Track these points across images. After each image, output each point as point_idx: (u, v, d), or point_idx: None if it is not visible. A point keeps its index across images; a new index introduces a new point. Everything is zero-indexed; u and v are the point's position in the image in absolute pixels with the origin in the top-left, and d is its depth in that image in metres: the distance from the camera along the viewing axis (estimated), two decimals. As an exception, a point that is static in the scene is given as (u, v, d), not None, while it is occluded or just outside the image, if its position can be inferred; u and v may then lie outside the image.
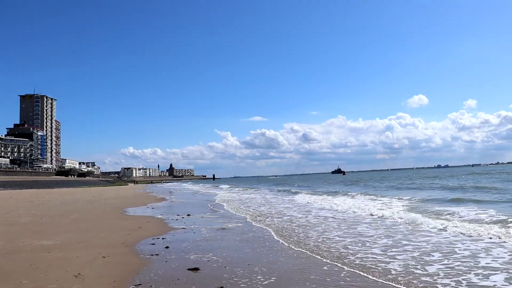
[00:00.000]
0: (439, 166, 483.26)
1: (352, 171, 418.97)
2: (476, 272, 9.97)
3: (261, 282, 9.52)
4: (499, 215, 19.34)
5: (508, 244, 13.05)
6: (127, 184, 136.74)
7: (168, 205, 37.34)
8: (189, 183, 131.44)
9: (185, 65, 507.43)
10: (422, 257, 11.79)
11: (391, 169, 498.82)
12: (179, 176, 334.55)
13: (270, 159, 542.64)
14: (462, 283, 9.11)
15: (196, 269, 10.87)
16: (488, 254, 11.83)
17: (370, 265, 11.04)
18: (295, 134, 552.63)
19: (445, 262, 11.11)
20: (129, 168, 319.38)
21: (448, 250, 12.53)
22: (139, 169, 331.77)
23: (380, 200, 34.17)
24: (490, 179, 62.92)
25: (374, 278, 9.77)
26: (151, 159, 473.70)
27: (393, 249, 13.03)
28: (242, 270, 10.65)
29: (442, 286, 8.99)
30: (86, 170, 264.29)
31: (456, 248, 12.85)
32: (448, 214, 21.45)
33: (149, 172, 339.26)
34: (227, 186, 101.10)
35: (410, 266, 10.75)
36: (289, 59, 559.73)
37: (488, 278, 9.41)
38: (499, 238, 13.95)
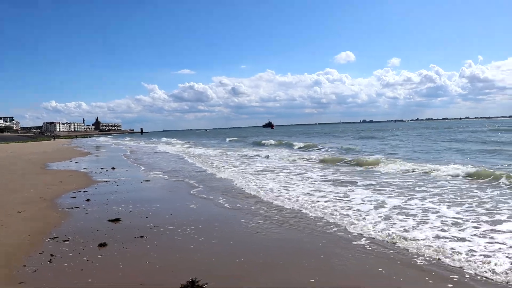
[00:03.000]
0: (364, 121, 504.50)
1: (281, 125, 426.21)
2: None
3: (183, 232, 9.63)
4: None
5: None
6: (50, 139, 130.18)
7: (93, 160, 36.25)
8: (126, 139, 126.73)
9: (110, 15, 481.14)
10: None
11: (319, 123, 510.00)
12: (106, 131, 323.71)
13: (199, 113, 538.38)
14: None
15: (117, 220, 10.77)
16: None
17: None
18: (224, 87, 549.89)
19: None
20: (52, 122, 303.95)
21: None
22: (63, 124, 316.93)
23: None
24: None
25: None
26: (76, 113, 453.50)
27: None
28: (164, 220, 10.69)
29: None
30: (3, 125, 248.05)
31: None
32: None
33: (74, 127, 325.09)
34: (152, 140, 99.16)
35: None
36: (218, 12, 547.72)
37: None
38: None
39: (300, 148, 40.96)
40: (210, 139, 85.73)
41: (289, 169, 22.07)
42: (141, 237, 9.12)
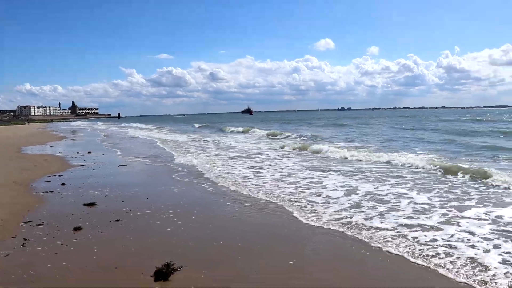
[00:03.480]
0: (342, 109, 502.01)
1: (260, 111, 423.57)
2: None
3: (160, 216, 9.61)
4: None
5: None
6: (25, 124, 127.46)
7: (69, 144, 35.70)
8: (99, 123, 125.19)
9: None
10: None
11: (297, 110, 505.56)
12: (83, 115, 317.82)
13: (177, 98, 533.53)
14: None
15: (92, 204, 10.68)
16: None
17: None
18: (203, 73, 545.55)
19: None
20: (27, 106, 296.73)
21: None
22: (38, 108, 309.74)
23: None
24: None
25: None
26: (51, 96, 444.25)
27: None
28: (140, 204, 10.65)
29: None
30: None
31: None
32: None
33: (50, 111, 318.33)
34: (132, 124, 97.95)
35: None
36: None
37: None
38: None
39: (263, 136, 41.00)
40: (184, 125, 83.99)
41: (245, 155, 22.16)
42: (117, 221, 9.07)
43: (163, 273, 6.09)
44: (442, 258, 6.63)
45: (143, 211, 9.93)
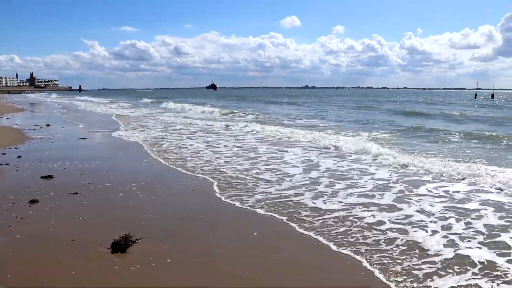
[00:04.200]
0: (306, 87, 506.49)
1: (225, 87, 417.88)
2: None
3: (120, 188, 9.52)
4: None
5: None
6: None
7: (27, 116, 34.54)
8: (53, 94, 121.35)
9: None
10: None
11: (262, 87, 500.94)
12: (42, 87, 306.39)
13: (141, 72, 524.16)
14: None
15: (50, 176, 10.43)
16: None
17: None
18: (167, 47, 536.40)
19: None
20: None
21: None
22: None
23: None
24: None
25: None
26: (7, 67, 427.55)
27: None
28: (100, 178, 10.49)
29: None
30: None
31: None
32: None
33: (6, 82, 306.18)
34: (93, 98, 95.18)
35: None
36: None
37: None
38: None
39: (215, 113, 39.67)
40: (142, 99, 79.24)
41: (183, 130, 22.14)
42: (75, 193, 8.91)
43: (121, 245, 6.06)
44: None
45: (103, 184, 9.79)
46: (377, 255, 5.94)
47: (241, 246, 6.34)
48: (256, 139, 18.43)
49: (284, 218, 7.58)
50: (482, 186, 9.82)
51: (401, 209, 8.13)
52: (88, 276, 5.27)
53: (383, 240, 6.50)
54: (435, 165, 11.82)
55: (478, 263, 5.69)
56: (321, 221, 7.40)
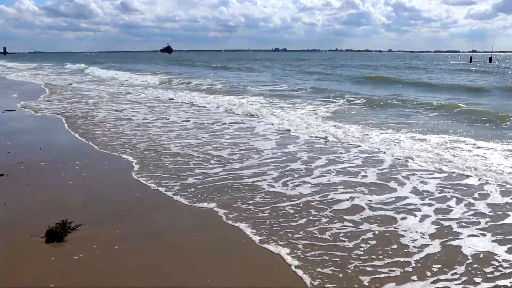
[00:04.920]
0: (276, 50, 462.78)
1: (181, 50, 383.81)
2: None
3: (55, 168, 8.66)
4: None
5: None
6: None
7: None
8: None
9: None
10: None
11: (225, 50, 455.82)
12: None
13: (81, 32, 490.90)
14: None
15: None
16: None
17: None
18: (112, 2, 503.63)
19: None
20: None
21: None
22: None
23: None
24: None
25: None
26: None
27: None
28: (32, 156, 9.51)
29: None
30: None
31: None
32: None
33: None
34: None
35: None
36: None
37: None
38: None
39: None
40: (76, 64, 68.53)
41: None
42: (1, 175, 7.93)
43: (57, 233, 5.38)
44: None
45: (36, 164, 8.87)
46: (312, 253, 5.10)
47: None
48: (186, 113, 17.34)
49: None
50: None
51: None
52: (20, 270, 4.62)
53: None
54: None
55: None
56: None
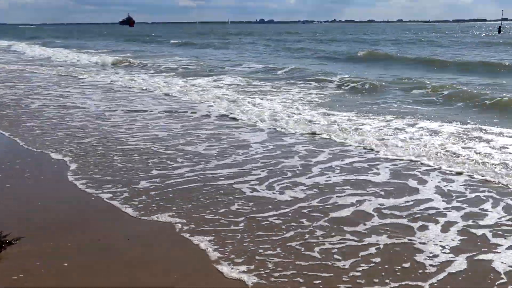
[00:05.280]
0: (262, 21, 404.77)
1: (145, 23, 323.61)
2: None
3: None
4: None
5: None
6: None
7: None
8: None
9: None
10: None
11: (199, 22, 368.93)
12: None
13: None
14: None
15: None
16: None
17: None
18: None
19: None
20: None
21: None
22: None
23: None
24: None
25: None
26: None
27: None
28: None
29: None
30: None
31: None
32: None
33: None
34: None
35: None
36: None
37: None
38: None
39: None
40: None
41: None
42: None
43: (-11, 249, 4.22)
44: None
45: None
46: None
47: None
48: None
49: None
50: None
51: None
52: None
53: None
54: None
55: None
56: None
